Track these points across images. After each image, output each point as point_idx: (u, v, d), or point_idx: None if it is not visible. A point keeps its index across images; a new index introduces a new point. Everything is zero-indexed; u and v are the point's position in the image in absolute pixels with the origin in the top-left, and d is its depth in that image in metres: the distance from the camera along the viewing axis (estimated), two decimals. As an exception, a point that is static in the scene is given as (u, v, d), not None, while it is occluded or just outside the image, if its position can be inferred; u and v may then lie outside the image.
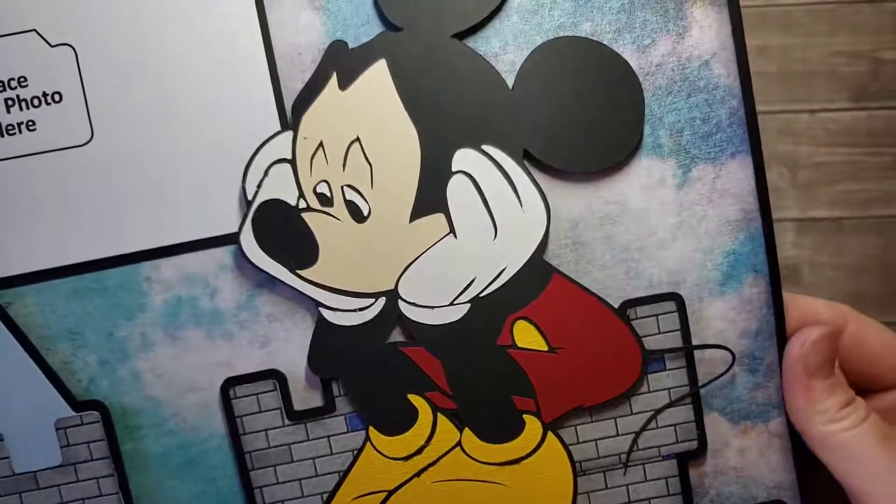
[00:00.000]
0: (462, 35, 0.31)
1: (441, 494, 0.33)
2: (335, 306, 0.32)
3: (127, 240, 0.32)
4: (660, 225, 0.32)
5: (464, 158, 0.31)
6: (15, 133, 0.32)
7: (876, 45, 0.79)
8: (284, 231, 0.31)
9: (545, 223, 0.31)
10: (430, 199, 0.31)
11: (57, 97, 0.32)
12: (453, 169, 0.31)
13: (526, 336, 0.32)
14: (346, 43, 0.31)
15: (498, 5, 0.31)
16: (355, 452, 0.33)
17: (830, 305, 0.33)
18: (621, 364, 0.32)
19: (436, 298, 0.32)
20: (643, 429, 0.33)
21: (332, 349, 0.32)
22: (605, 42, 0.32)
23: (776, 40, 0.80)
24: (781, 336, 0.32)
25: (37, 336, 0.32)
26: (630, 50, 0.32)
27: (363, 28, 0.32)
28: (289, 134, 0.31)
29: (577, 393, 0.32)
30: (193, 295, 0.32)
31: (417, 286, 0.32)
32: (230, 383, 0.32)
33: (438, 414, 0.32)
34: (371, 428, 0.33)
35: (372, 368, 0.32)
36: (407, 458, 0.33)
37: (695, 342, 0.33)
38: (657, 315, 0.32)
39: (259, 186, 0.31)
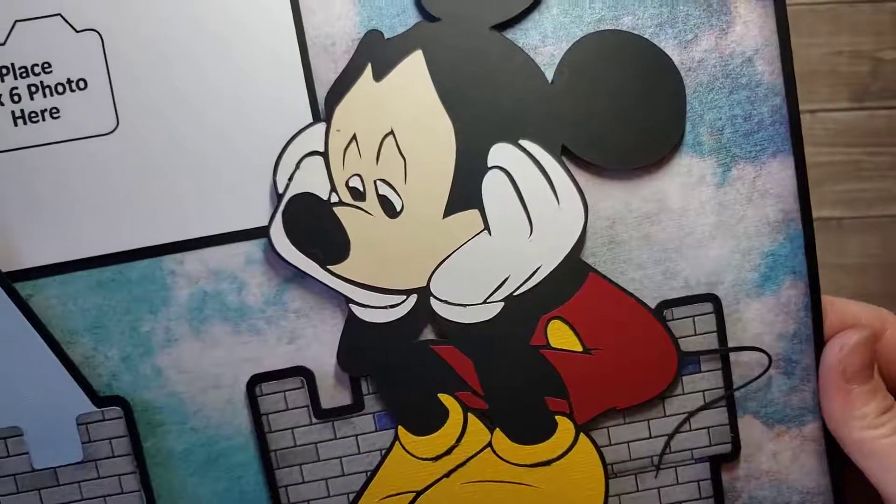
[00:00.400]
0: (501, 27, 0.30)
1: (470, 496, 0.32)
2: (365, 303, 0.31)
3: (152, 232, 0.31)
4: (698, 224, 0.32)
5: (500, 153, 0.30)
6: (38, 120, 0.31)
7: (877, 45, 0.79)
8: (315, 225, 0.31)
9: (582, 221, 0.31)
10: (465, 194, 0.31)
11: (82, 84, 0.31)
12: (489, 164, 0.30)
13: (560, 336, 0.31)
14: (382, 33, 0.30)
15: (539, -4, 0.30)
16: (383, 452, 0.32)
17: (869, 309, 0.33)
18: (656, 366, 0.32)
19: (468, 296, 0.31)
20: (676, 431, 0.32)
21: (361, 346, 0.31)
22: (646, 36, 0.31)
23: (776, 40, 0.80)
24: (819, 339, 0.32)
25: (58, 329, 0.31)
26: (672, 45, 0.31)
27: (398, 18, 0.31)
28: (321, 126, 0.31)
29: (611, 394, 0.32)
30: (220, 289, 0.32)
31: (450, 284, 0.31)
32: (257, 380, 0.32)
33: (469, 414, 0.32)
34: (400, 427, 0.32)
35: (402, 367, 0.32)
36: (436, 459, 0.32)
37: (731, 344, 0.32)
38: (694, 316, 0.32)
39: (290, 179, 0.30)
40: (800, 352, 0.32)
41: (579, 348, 0.31)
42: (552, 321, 0.31)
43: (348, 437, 0.32)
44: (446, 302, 0.31)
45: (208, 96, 0.31)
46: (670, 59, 0.31)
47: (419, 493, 0.32)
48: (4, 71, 0.31)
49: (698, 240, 0.32)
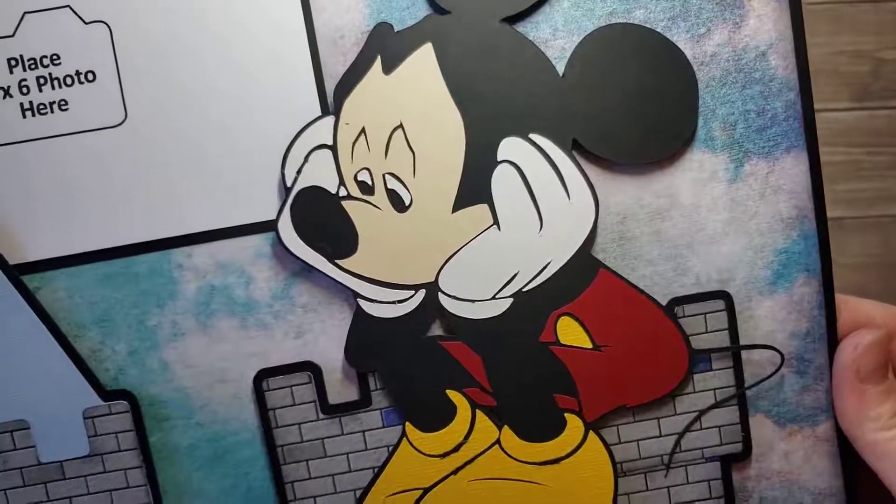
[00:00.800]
0: (511, 20, 0.30)
1: (478, 493, 0.32)
2: (374, 297, 0.31)
3: (159, 225, 0.31)
4: (710, 220, 0.31)
5: (510, 147, 0.30)
6: (47, 112, 0.31)
7: (877, 45, 0.79)
8: (324, 219, 0.30)
9: (593, 216, 0.30)
10: (474, 189, 0.30)
11: (90, 76, 0.31)
12: (499, 158, 0.30)
13: (570, 333, 0.31)
14: (392, 26, 0.30)
15: (550, -11, 0.30)
16: (391, 448, 0.32)
17: (884, 308, 0.32)
18: (667, 363, 0.31)
19: (477, 292, 0.31)
20: (687, 430, 0.32)
21: (369, 341, 0.31)
22: (658, 30, 0.30)
23: (777, 40, 0.79)
24: (832, 338, 0.32)
25: (65, 322, 0.31)
26: (684, 38, 0.31)
27: (407, 11, 0.31)
28: (330, 119, 0.30)
29: (621, 392, 0.31)
30: (227, 283, 0.31)
31: (459, 279, 0.31)
32: (263, 375, 0.32)
33: (477, 411, 0.32)
34: (408, 423, 0.32)
35: (410, 362, 0.31)
36: (444, 456, 0.32)
37: (743, 342, 0.32)
38: (705, 314, 0.31)
39: (299, 173, 0.30)
40: (813, 351, 0.32)
41: (589, 345, 0.31)
42: (562, 317, 0.31)
43: (355, 432, 0.32)
44: (455, 297, 0.31)
45: (216, 89, 0.31)
46: (683, 53, 0.30)
47: (426, 490, 0.32)
48: (13, 63, 0.31)
49: (710, 236, 0.31)
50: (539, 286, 0.31)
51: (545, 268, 0.31)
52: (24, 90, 0.31)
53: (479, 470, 0.32)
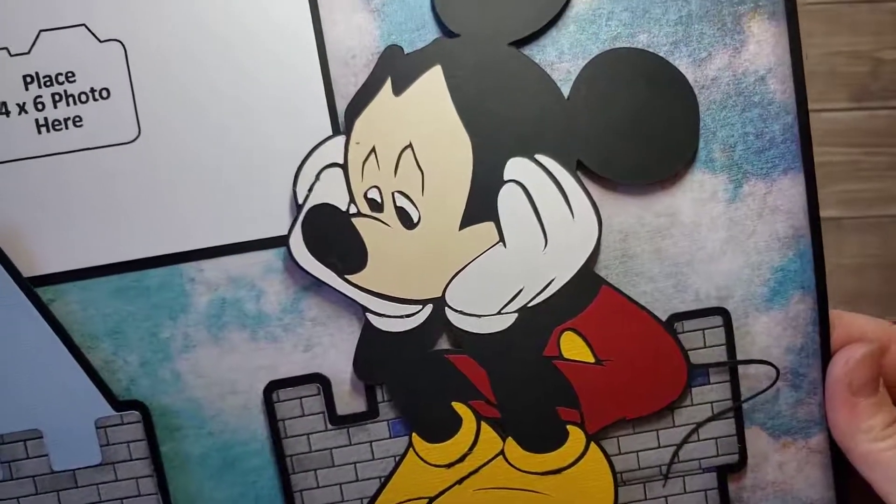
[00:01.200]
0: (519, 43, 0.31)
1: (483, 503, 0.33)
2: (382, 312, 0.32)
3: (172, 240, 0.32)
4: (709, 239, 0.32)
5: (516, 167, 0.31)
6: (62, 129, 0.31)
7: (876, 45, 0.79)
8: (334, 235, 0.31)
9: (596, 235, 0.31)
10: (481, 207, 0.31)
11: (105, 93, 0.31)
12: (505, 178, 0.31)
13: (573, 347, 0.32)
14: (402, 48, 0.31)
15: (556, 14, 0.31)
16: (397, 458, 0.33)
17: (876, 323, 0.33)
18: (666, 377, 0.32)
19: (483, 307, 0.32)
20: (684, 441, 0.33)
21: (377, 355, 0.32)
22: (661, 54, 0.31)
23: (776, 40, 0.80)
24: (826, 353, 0.33)
25: (78, 334, 0.32)
26: (686, 63, 0.31)
27: (417, 33, 0.31)
28: (341, 138, 0.31)
29: (622, 405, 0.32)
30: (238, 297, 0.32)
31: (465, 294, 0.31)
32: (273, 386, 0.32)
33: (482, 422, 0.32)
34: (414, 434, 0.32)
35: (417, 375, 0.32)
36: (449, 466, 0.32)
37: (739, 357, 0.33)
38: (703, 329, 0.32)
39: (310, 190, 0.31)
40: (807, 365, 0.33)
41: (591, 359, 0.32)
42: (565, 332, 0.32)
43: (363, 443, 0.33)
44: (461, 312, 0.32)
45: (229, 107, 0.31)
46: (684, 76, 0.31)
47: (432, 500, 0.33)
48: (29, 79, 0.31)
49: (709, 254, 0.32)
50: (543, 302, 0.32)
51: (549, 284, 0.31)
52: (40, 106, 0.31)
53: (483, 480, 0.33)
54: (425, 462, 0.33)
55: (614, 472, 0.33)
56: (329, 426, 0.33)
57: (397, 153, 0.31)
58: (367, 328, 0.32)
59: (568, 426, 0.32)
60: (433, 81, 0.31)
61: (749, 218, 0.32)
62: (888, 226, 0.80)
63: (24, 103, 0.31)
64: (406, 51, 0.31)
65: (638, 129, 0.31)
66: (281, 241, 0.32)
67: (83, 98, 0.31)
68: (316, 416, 0.33)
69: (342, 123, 0.31)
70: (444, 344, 0.32)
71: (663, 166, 0.31)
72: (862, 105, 0.79)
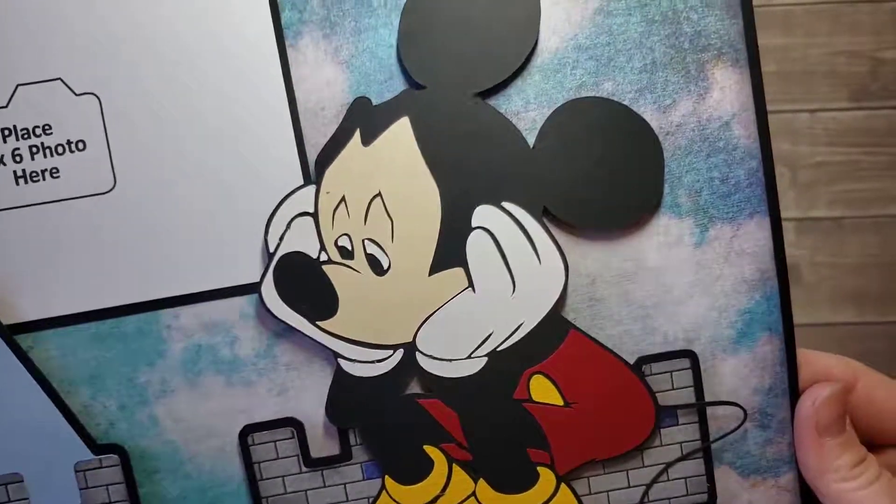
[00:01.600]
0: (485, 94, 0.31)
1: (455, 543, 0.33)
2: (353, 357, 0.32)
3: (148, 287, 0.33)
4: (676, 283, 0.33)
5: (484, 215, 0.31)
6: (39, 180, 0.32)
7: (876, 45, 0.80)
8: (305, 282, 0.32)
9: (563, 280, 0.32)
10: (450, 253, 0.32)
11: (81, 145, 0.32)
12: (473, 224, 0.31)
13: (542, 390, 0.32)
14: (370, 100, 0.31)
15: (521, 64, 0.31)
16: (371, 500, 0.33)
17: (842, 361, 0.34)
18: (635, 419, 0.33)
19: (453, 351, 0.32)
20: (654, 481, 0.33)
21: (349, 399, 0.33)
22: (626, 102, 0.32)
23: (776, 40, 0.80)
24: (794, 393, 0.33)
25: (57, 380, 0.33)
26: (651, 110, 0.32)
27: (386, 84, 0.32)
28: (311, 188, 0.32)
29: (591, 446, 0.33)
30: (213, 343, 0.33)
31: (435, 339, 0.32)
32: (249, 430, 0.33)
33: (454, 464, 0.33)
34: (387, 476, 0.33)
35: (389, 419, 0.33)
36: (422, 507, 0.33)
37: (708, 398, 0.33)
38: (671, 371, 0.33)
39: (281, 238, 0.32)
40: (776, 405, 0.33)
41: (560, 402, 0.32)
42: (534, 375, 0.32)
43: (337, 485, 0.33)
44: (432, 357, 0.32)
45: (202, 159, 0.32)
46: (648, 124, 0.32)
47: (405, 540, 0.33)
48: (6, 132, 0.32)
49: (676, 298, 0.33)
50: (512, 346, 0.32)
51: (518, 328, 0.32)
52: (18, 159, 0.32)
53: (455, 521, 0.33)
54: (398, 504, 0.33)
55: (585, 512, 0.33)
56: (303, 469, 0.33)
57: (367, 201, 0.31)
58: (339, 373, 0.32)
59: (538, 467, 0.33)
60: (401, 132, 0.31)
61: (716, 262, 0.33)
62: (888, 226, 0.80)
63: (2, 156, 0.32)
64: (374, 102, 0.32)
65: (603, 177, 0.31)
66: (254, 288, 0.32)
67: (60, 150, 0.32)
68: (290, 459, 0.33)
69: (313, 173, 0.32)
70: (415, 388, 0.33)
71: (628, 213, 0.32)
72: (861, 105, 0.79)
